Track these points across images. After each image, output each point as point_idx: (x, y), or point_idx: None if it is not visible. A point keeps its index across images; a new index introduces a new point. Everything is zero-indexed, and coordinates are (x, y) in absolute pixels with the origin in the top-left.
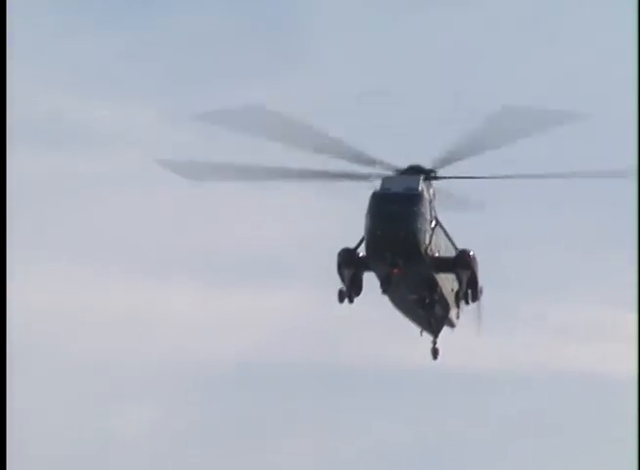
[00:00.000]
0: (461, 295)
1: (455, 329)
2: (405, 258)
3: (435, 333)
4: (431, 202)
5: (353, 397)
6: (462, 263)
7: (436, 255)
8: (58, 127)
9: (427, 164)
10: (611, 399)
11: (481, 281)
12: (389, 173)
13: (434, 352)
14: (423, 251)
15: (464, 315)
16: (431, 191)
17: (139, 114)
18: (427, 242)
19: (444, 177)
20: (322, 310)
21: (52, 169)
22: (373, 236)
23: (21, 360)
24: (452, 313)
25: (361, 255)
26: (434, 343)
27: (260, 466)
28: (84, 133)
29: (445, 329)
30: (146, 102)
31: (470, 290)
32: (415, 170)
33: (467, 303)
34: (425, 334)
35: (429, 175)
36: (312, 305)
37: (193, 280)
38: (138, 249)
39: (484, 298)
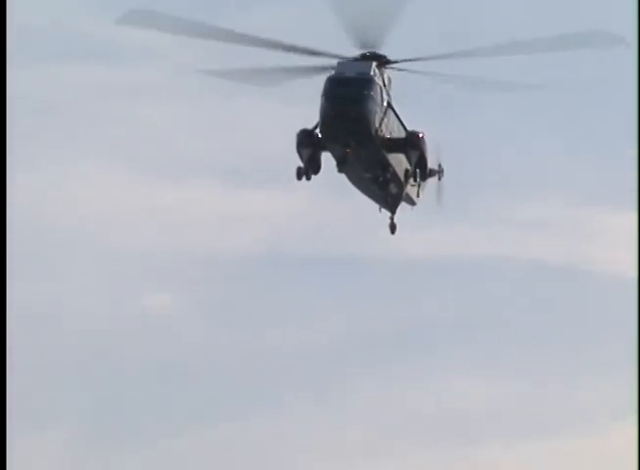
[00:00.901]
0: (410, 174)
1: (415, 207)
2: (357, 139)
3: (392, 209)
4: (383, 86)
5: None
6: (411, 144)
7: (387, 136)
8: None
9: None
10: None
11: (442, 161)
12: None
13: (392, 228)
14: (373, 132)
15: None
16: (385, 76)
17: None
18: (377, 124)
19: (399, 61)
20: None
21: (81, 80)
22: (326, 118)
23: (56, 249)
24: (412, 192)
25: (318, 135)
26: (392, 219)
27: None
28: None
29: (406, 207)
30: None
31: (419, 169)
32: (369, 57)
33: (415, 181)
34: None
35: (382, 61)
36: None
37: (210, 180)
38: (161, 153)
39: (445, 177)
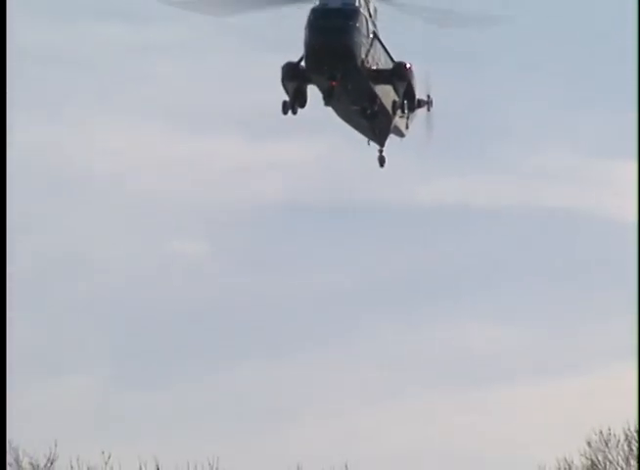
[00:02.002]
0: (398, 105)
1: (404, 139)
2: (342, 71)
3: (381, 142)
4: (369, 17)
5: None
6: (399, 75)
7: (374, 67)
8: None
9: None
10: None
11: (430, 92)
12: None
13: (381, 160)
14: (359, 63)
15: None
16: (370, 7)
17: None
18: (363, 55)
19: None
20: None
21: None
22: (311, 49)
23: (89, 197)
24: (400, 124)
25: (303, 68)
26: (381, 151)
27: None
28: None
29: (395, 139)
30: None
31: (406, 100)
32: None
33: (403, 112)
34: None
35: None
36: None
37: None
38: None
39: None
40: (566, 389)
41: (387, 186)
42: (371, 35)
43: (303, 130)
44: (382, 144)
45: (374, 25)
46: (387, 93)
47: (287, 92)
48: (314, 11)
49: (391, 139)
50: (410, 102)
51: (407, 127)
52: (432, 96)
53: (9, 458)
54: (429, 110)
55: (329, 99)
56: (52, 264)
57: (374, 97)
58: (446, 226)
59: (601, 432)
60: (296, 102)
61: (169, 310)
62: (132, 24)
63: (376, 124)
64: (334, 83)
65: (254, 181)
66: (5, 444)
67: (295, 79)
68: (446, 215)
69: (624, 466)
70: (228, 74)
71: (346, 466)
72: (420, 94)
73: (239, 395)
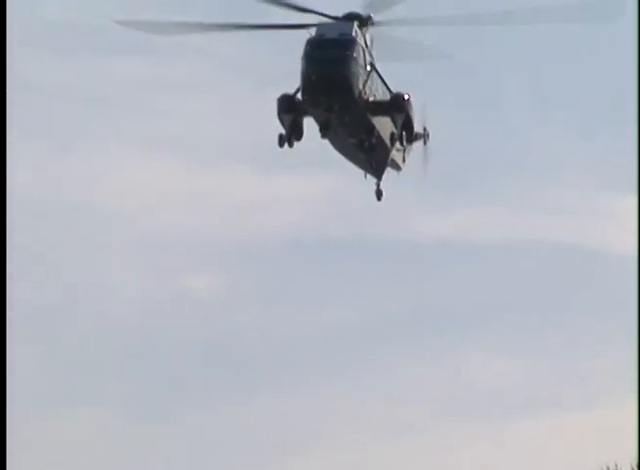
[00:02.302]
0: (396, 137)
1: (401, 172)
2: (339, 102)
3: (378, 175)
4: (366, 48)
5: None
6: (397, 106)
7: (372, 99)
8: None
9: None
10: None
11: (428, 126)
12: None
13: (378, 194)
14: (357, 94)
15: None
16: (367, 37)
17: None
18: (360, 86)
19: (382, 24)
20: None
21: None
22: (307, 80)
23: (100, 232)
24: (397, 157)
25: (299, 100)
26: (378, 185)
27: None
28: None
29: (392, 172)
30: None
31: (405, 132)
32: (350, 17)
33: (402, 144)
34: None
35: (364, 22)
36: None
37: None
38: (197, 141)
39: (430, 142)
40: (572, 423)
41: (392, 220)
42: (368, 66)
43: (312, 164)
44: (379, 177)
45: (371, 56)
46: (384, 125)
47: (283, 125)
48: (310, 42)
49: (390, 173)
50: (409, 134)
51: (404, 161)
52: (428, 129)
53: None
54: (425, 143)
55: (326, 131)
56: (59, 299)
57: (371, 129)
58: (451, 260)
59: (608, 467)
60: (292, 135)
61: (177, 345)
62: (140, 60)
63: (373, 157)
64: (331, 115)
65: (262, 216)
66: (5, 443)
67: (291, 112)
68: (451, 249)
69: None
70: (237, 109)
71: None
72: (417, 126)
73: (247, 429)
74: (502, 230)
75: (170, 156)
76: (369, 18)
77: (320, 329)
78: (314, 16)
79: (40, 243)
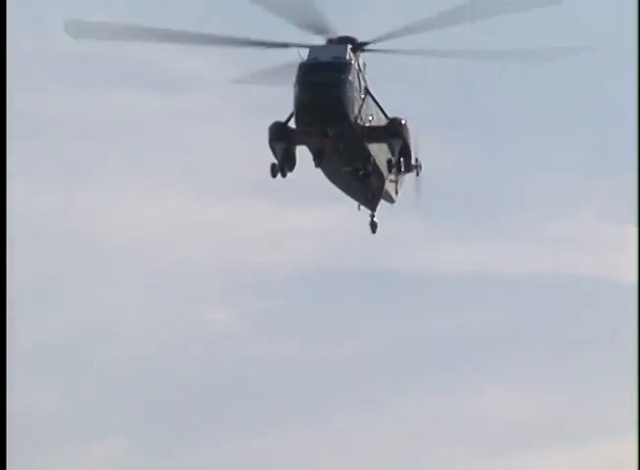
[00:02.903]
0: (394, 164)
1: (394, 204)
2: (335, 128)
3: (373, 207)
4: (360, 72)
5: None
6: (393, 132)
7: (367, 124)
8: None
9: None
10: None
11: (419, 155)
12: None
13: (373, 226)
14: (352, 119)
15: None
16: (360, 61)
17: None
18: (356, 111)
19: (374, 49)
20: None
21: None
22: (301, 106)
23: (112, 263)
24: (390, 188)
25: (292, 128)
26: (372, 216)
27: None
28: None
29: (386, 205)
30: None
31: (402, 158)
32: (342, 40)
33: (399, 171)
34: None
35: (358, 46)
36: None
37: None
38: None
39: (423, 172)
40: (585, 457)
41: (403, 253)
42: (363, 90)
43: (328, 196)
44: (373, 209)
45: (365, 80)
46: (380, 152)
47: (275, 154)
48: (303, 66)
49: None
50: (407, 160)
51: (397, 193)
52: (420, 160)
53: None
54: (417, 174)
55: (319, 160)
56: (75, 333)
57: (367, 156)
58: (464, 293)
59: None
60: (284, 164)
61: (187, 379)
62: (152, 91)
63: (368, 187)
64: (325, 142)
65: (275, 248)
66: (5, 443)
67: (283, 140)
68: (463, 282)
69: None
70: (253, 140)
71: None
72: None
73: (258, 462)
74: (507, 263)
75: (184, 187)
76: (361, 42)
77: (333, 362)
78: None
79: (55, 276)
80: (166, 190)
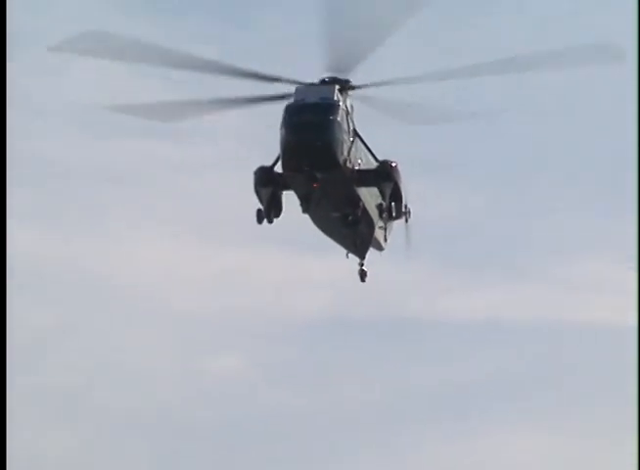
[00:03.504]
0: (385, 208)
1: (383, 252)
2: (323, 171)
3: (362, 254)
4: (348, 113)
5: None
6: (384, 175)
7: (356, 167)
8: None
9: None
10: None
11: (409, 200)
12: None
13: (362, 275)
14: (342, 162)
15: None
16: (348, 102)
17: None
18: (345, 153)
19: (361, 86)
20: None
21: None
22: (288, 148)
23: (122, 313)
24: (379, 235)
25: (278, 172)
26: (361, 265)
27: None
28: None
29: (374, 252)
30: None
31: (394, 203)
32: (330, 81)
33: (391, 217)
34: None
35: (344, 86)
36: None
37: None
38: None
39: (412, 218)
40: None
41: (413, 300)
42: (352, 132)
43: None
44: (362, 257)
45: (353, 122)
46: (370, 197)
47: (260, 200)
48: (289, 107)
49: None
50: (398, 204)
51: (386, 240)
52: (409, 206)
53: None
54: (407, 221)
55: (307, 205)
56: (84, 379)
57: (357, 201)
58: (475, 339)
59: None
60: (271, 210)
61: (198, 426)
62: (161, 140)
63: (357, 234)
64: (314, 186)
65: (289, 296)
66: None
67: (269, 185)
68: (474, 328)
69: None
70: None
71: None
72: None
73: None
74: (525, 308)
75: (196, 238)
76: (347, 82)
77: (349, 410)
78: (284, 84)
79: (64, 322)
80: (178, 238)
